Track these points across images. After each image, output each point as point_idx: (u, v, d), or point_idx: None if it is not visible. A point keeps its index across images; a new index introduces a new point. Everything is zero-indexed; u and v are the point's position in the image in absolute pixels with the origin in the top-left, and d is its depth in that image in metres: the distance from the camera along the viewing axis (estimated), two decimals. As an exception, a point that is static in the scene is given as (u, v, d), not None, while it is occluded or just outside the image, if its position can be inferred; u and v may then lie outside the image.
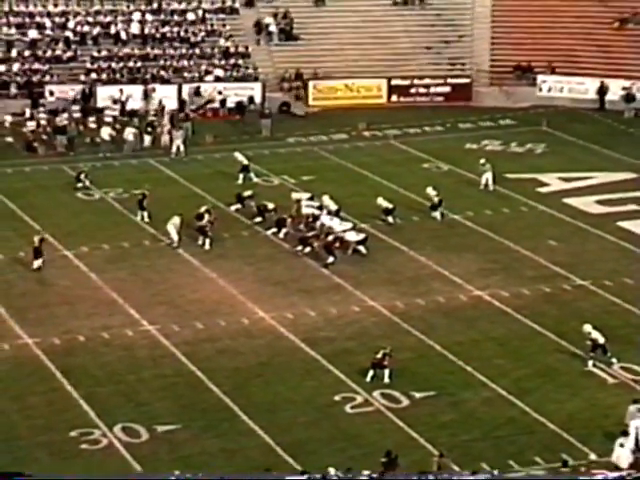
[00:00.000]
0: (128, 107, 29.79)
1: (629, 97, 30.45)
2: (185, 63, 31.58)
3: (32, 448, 14.95)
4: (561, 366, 17.17)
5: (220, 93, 30.60)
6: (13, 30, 31.48)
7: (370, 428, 15.44)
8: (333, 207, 22.47)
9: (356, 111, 30.31)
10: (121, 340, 17.94)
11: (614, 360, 17.11)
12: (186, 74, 31.32)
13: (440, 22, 33.51)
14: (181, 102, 30.32)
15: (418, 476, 13.55)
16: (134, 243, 21.78)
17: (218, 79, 31.20)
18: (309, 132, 29.01)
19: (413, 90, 31.69)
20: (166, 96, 30.03)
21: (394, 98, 31.72)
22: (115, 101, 29.88)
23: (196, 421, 15.58)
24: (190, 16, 32.85)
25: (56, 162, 26.69)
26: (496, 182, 24.91)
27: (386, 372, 16.60)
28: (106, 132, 27.49)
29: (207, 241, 21.53)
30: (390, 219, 22.70)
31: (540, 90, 31.62)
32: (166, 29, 32.37)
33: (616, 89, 30.62)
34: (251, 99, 30.81)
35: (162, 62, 31.50)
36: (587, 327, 17.32)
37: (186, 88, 30.67)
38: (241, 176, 25.15)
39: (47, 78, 30.39)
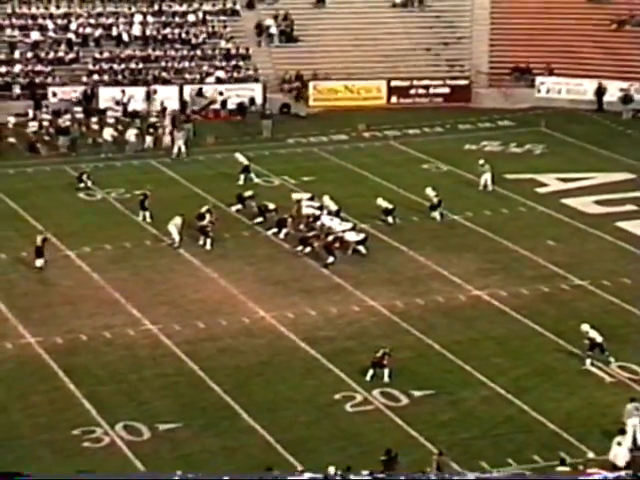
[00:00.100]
0: (130, 108, 29.91)
1: (627, 98, 30.51)
2: (186, 64, 31.71)
3: (35, 446, 15.07)
4: (559, 365, 17.26)
5: (221, 94, 30.72)
6: (16, 32, 31.58)
7: (370, 427, 15.54)
8: (333, 207, 22.55)
9: (356, 112, 30.39)
10: (123, 339, 18.04)
11: (612, 359, 17.20)
12: (187, 75, 31.42)
13: (439, 24, 33.60)
14: (183, 103, 30.44)
15: (419, 476, 13.60)
16: (136, 243, 21.87)
17: (219, 80, 31.33)
18: (309, 133, 29.08)
19: (413, 91, 31.78)
20: (167, 97, 30.16)
21: (394, 99, 31.82)
22: (117, 102, 29.99)
23: (197, 419, 15.67)
24: (191, 18, 32.96)
25: (58, 163, 26.79)
26: (495, 182, 24.98)
27: (386, 371, 16.70)
28: (108, 133, 27.61)
29: (208, 241, 21.62)
30: (390, 219, 22.79)
31: (539, 91, 31.70)
32: (167, 31, 32.48)
33: (614, 90, 30.70)
34: (252, 100, 30.90)
35: (163, 64, 31.63)
36: (585, 326, 17.40)
37: (187, 89, 30.79)
38: (242, 177, 25.23)
39: (50, 80, 30.53)
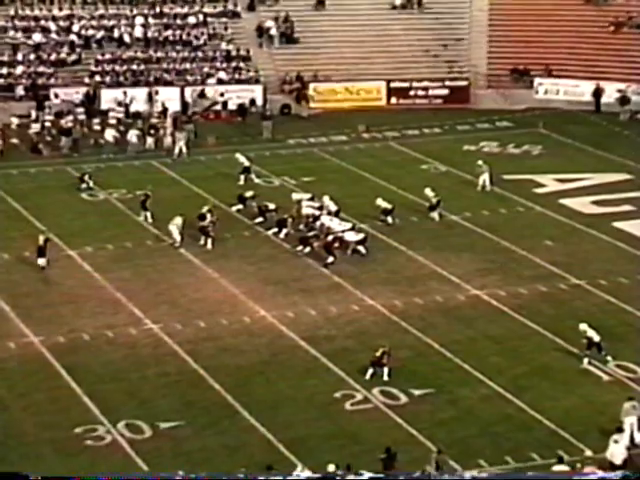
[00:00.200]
0: (132, 109, 29.99)
1: (624, 100, 30.59)
2: (187, 66, 31.80)
3: (37, 444, 15.15)
4: (557, 364, 17.32)
5: (222, 95, 30.84)
6: (19, 34, 31.68)
7: (369, 425, 15.61)
8: (333, 207, 22.62)
9: (356, 113, 30.49)
10: (125, 339, 18.11)
11: (609, 358, 17.25)
12: (188, 77, 31.54)
13: (438, 26, 33.73)
14: (184, 104, 30.52)
15: (419, 475, 13.68)
16: (137, 243, 21.95)
17: (220, 82, 31.43)
18: (309, 134, 29.15)
19: (412, 92, 31.90)
20: (169, 98, 30.28)
21: (393, 100, 31.94)
22: (119, 103, 30.08)
23: (198, 418, 15.75)
24: (192, 20, 33.05)
25: (61, 163, 26.85)
26: (493, 183, 25.05)
27: (385, 370, 16.76)
28: (110, 134, 27.73)
29: (209, 241, 21.71)
30: (389, 219, 22.86)
31: (537, 93, 31.80)
32: (169, 33, 32.59)
33: (611, 92, 30.81)
34: (252, 101, 31.00)
35: (165, 65, 31.73)
36: (583, 326, 17.45)
37: (189, 91, 30.89)
38: (242, 177, 25.31)
39: (52, 81, 30.63)
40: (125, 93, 30.46)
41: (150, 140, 27.90)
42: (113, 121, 29.17)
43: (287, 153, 28.00)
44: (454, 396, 16.44)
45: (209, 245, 21.72)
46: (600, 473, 13.53)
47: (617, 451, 14.39)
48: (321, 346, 17.89)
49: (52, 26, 32.20)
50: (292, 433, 15.41)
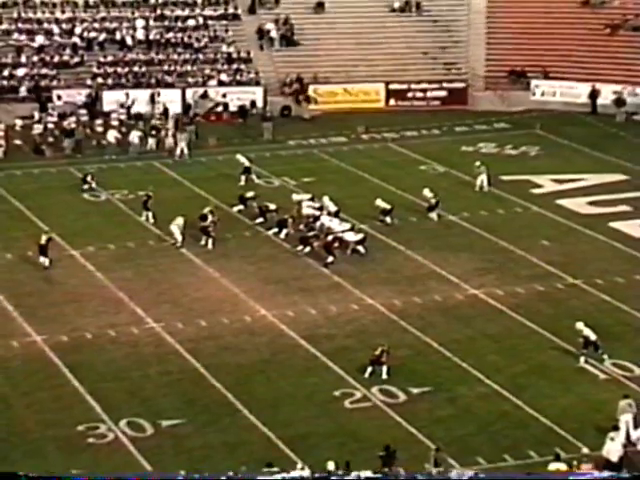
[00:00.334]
0: (134, 111, 30.12)
1: (620, 101, 30.71)
2: (189, 68, 31.92)
3: (41, 442, 15.25)
4: (554, 363, 17.41)
5: (224, 96, 30.96)
6: (22, 36, 31.78)
7: (369, 423, 15.69)
8: (333, 208, 22.72)
9: (355, 114, 30.57)
10: (127, 337, 18.21)
11: (605, 357, 17.33)
12: (190, 79, 31.64)
13: (436, 28, 33.84)
14: (186, 106, 30.61)
15: (418, 475, 13.75)
16: (139, 243, 22.06)
17: (221, 84, 31.55)
18: (309, 135, 29.25)
19: (410, 94, 32.05)
20: (170, 100, 30.42)
21: (392, 102, 32.07)
22: (121, 105, 30.19)
23: (199, 416, 15.85)
24: (193, 22, 33.14)
25: (63, 164, 26.95)
26: (491, 184, 25.14)
27: (384, 368, 16.85)
28: (112, 135, 27.86)
29: (210, 241, 21.81)
30: (388, 220, 22.97)
31: (534, 94, 31.93)
32: (170, 35, 32.72)
33: (607, 93, 30.93)
34: (253, 103, 31.14)
35: (166, 67, 31.85)
36: (579, 325, 17.54)
37: (190, 92, 31.02)
38: (243, 178, 25.42)
39: (55, 83, 30.78)
40: (127, 95, 30.59)
41: (151, 141, 28.03)
42: (115, 122, 29.29)
43: (287, 154, 28.11)
44: (452, 394, 16.53)
45: (210, 245, 21.83)
46: (598, 474, 13.66)
47: (613, 448, 14.47)
48: (321, 345, 17.99)
49: (55, 29, 32.35)
50: (292, 431, 15.50)
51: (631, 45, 32.32)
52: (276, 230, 22.48)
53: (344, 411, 16.12)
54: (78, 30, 32.48)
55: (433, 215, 23.45)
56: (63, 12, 32.95)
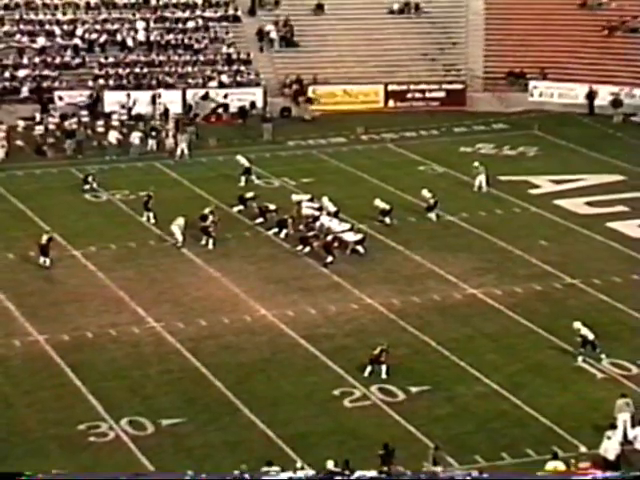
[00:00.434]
0: (135, 112, 30.20)
1: (617, 102, 30.77)
2: (189, 69, 32.02)
3: (42, 441, 15.31)
4: (552, 362, 17.46)
5: (226, 97, 30.99)
6: (24, 38, 31.87)
7: (368, 422, 15.76)
8: (332, 208, 22.79)
9: (354, 115, 30.64)
10: (128, 337, 18.29)
11: (603, 356, 17.41)
12: (190, 80, 31.74)
13: (435, 30, 33.92)
14: (188, 107, 30.69)
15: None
16: (140, 243, 22.14)
17: (222, 85, 31.63)
18: (309, 136, 29.32)
19: (409, 95, 32.11)
20: (171, 101, 30.50)
21: (391, 103, 32.13)
22: (123, 106, 30.26)
23: (200, 415, 15.91)
24: (194, 24, 33.23)
25: (65, 165, 27.01)
26: (489, 184, 25.22)
27: (383, 367, 16.90)
28: (113, 136, 27.96)
29: (210, 241, 21.90)
30: (387, 220, 23.06)
31: (532, 95, 32.01)
32: (171, 36, 32.80)
33: (605, 94, 31.00)
34: (253, 104, 31.22)
35: (167, 68, 31.94)
36: (577, 324, 17.59)
37: (190, 93, 31.13)
38: (243, 178, 25.50)
39: (56, 84, 30.88)
40: (129, 95, 30.66)
41: (152, 142, 28.13)
42: (116, 123, 29.39)
43: (287, 155, 28.18)
44: (451, 393, 16.59)
45: (210, 245, 21.91)
46: (601, 474, 13.72)
47: (611, 447, 14.51)
48: (320, 344, 18.06)
49: (56, 30, 32.43)
50: (292, 429, 15.56)
51: (628, 47, 32.39)
52: (276, 230, 22.57)
53: (343, 410, 16.19)
54: (79, 31, 32.57)
55: (432, 215, 23.54)
56: (64, 14, 33.03)
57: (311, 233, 22.00)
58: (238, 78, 32.11)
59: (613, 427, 15.03)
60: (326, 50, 33.30)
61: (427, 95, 32.25)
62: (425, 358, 17.72)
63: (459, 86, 32.46)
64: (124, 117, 30.12)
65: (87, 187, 25.23)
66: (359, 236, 21.83)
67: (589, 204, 24.42)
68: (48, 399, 16.50)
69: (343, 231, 21.95)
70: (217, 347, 18.10)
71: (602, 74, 31.59)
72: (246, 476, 13.68)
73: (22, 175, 26.54)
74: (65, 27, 32.65)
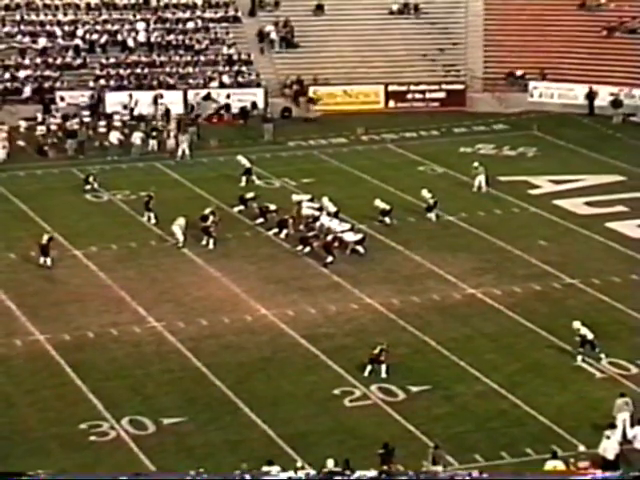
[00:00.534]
0: (136, 112, 30.26)
1: (617, 103, 30.84)
2: (190, 70, 32.08)
3: (44, 440, 15.35)
4: (551, 361, 17.50)
5: (228, 97, 31.02)
6: (26, 38, 31.94)
7: (368, 421, 15.80)
8: (332, 208, 22.85)
9: (355, 116, 30.70)
10: (129, 336, 18.34)
11: (602, 355, 17.45)
12: (191, 80, 31.80)
13: (435, 30, 33.99)
14: (190, 107, 30.71)
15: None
16: (141, 243, 22.21)
17: (222, 85, 31.70)
18: (309, 136, 29.39)
19: (409, 96, 32.17)
20: (172, 102, 30.56)
21: (391, 104, 32.20)
22: (124, 106, 30.34)
23: (201, 414, 15.95)
24: (195, 25, 33.30)
25: (66, 165, 27.08)
26: (489, 184, 25.28)
27: (383, 367, 16.95)
28: (115, 136, 28.03)
29: (211, 241, 21.97)
30: (387, 220, 23.12)
31: (531, 96, 32.08)
32: (171, 37, 32.86)
33: (604, 95, 31.06)
34: (254, 104, 31.30)
35: (168, 69, 32.01)
36: (576, 324, 17.63)
37: (191, 94, 31.18)
38: (244, 179, 25.57)
39: (58, 84, 30.95)
40: (130, 96, 30.70)
41: (153, 142, 28.18)
42: (118, 124, 29.46)
43: (287, 155, 28.25)
44: (450, 392, 16.63)
45: (211, 245, 21.97)
46: (601, 475, 13.74)
47: (610, 446, 14.52)
48: (320, 344, 18.11)
49: (57, 31, 32.52)
50: (292, 429, 15.60)
51: (627, 47, 32.44)
52: (276, 230, 22.63)
53: (343, 409, 16.23)
54: (80, 32, 32.64)
55: (431, 215, 23.59)
56: (65, 14, 33.11)
57: (311, 233, 22.07)
58: (239, 79, 32.17)
59: (612, 426, 15.06)
60: (326, 51, 33.37)
61: (427, 96, 32.31)
62: (425, 358, 17.77)
63: (459, 87, 32.52)
64: (125, 117, 30.18)
65: (88, 187, 25.29)
66: (359, 236, 21.88)
67: (588, 204, 24.47)
68: (49, 398, 16.56)
69: (343, 231, 21.99)
70: (218, 347, 18.15)
71: (601, 75, 31.64)
72: (247, 476, 13.71)
73: (24, 175, 26.63)
74: (66, 28, 32.71)
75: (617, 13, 33.76)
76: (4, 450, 15.08)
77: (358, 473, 13.73)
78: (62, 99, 30.61)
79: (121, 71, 31.73)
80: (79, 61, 31.96)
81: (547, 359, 17.71)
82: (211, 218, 22.32)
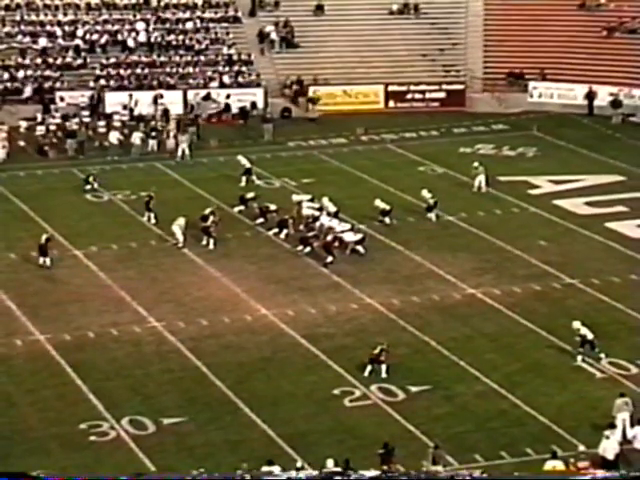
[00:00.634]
0: (136, 112, 30.30)
1: (616, 103, 30.88)
2: (190, 70, 32.11)
3: (44, 440, 15.38)
4: (551, 361, 17.53)
5: (228, 97, 31.07)
6: (26, 38, 31.96)
7: (368, 421, 15.83)
8: (332, 208, 22.87)
9: (354, 116, 30.73)
10: (129, 336, 18.38)
11: (602, 355, 17.48)
12: (191, 81, 31.85)
13: (435, 31, 34.02)
14: (190, 107, 30.73)
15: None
16: (141, 243, 22.25)
17: (222, 85, 31.75)
18: (309, 136, 29.42)
19: (409, 96, 32.20)
20: (172, 102, 30.60)
21: (391, 104, 32.23)
22: (124, 107, 30.39)
23: (201, 414, 15.98)
24: (194, 25, 33.33)
25: (66, 165, 27.10)
26: (489, 184, 25.31)
27: (383, 367, 16.98)
28: (114, 136, 28.06)
29: (211, 241, 22.00)
30: (387, 220, 23.16)
31: (531, 96, 32.13)
32: (171, 37, 32.90)
33: (604, 95, 31.10)
34: (254, 105, 31.34)
35: (168, 69, 32.05)
36: (576, 323, 17.66)
37: (191, 94, 31.22)
38: (244, 179, 25.60)
39: (58, 85, 30.98)
40: (131, 96, 30.74)
41: (153, 142, 28.23)
42: (118, 124, 29.49)
43: (287, 155, 28.28)
44: (450, 392, 16.66)
45: (211, 245, 22.01)
46: (601, 475, 13.80)
47: (609, 446, 14.54)
48: (321, 344, 18.14)
49: (57, 31, 32.55)
50: (292, 428, 15.63)
51: (627, 47, 32.47)
52: (276, 230, 22.66)
53: (343, 409, 16.26)
54: (80, 32, 32.67)
55: (431, 215, 23.62)
56: (65, 14, 33.13)
57: (311, 233, 22.11)
58: (239, 79, 32.19)
59: (612, 426, 15.09)
60: (326, 51, 33.40)
61: (427, 96, 32.34)
62: (425, 358, 17.80)
63: (459, 87, 32.55)
64: (125, 118, 30.22)
65: (88, 187, 25.32)
66: (359, 236, 21.90)
67: (588, 204, 24.50)
68: (50, 398, 16.57)
69: (343, 231, 22.02)
70: (218, 346, 18.18)
71: (601, 75, 31.68)
72: (247, 476, 13.75)
73: (24, 175, 26.65)
74: (66, 28, 32.74)
75: (617, 13, 33.80)
76: (4, 450, 15.11)
77: (358, 473, 13.74)
78: (62, 99, 30.64)
79: (121, 71, 31.77)
80: (79, 61, 32.00)
81: (547, 359, 17.74)
82: (211, 218, 22.34)
